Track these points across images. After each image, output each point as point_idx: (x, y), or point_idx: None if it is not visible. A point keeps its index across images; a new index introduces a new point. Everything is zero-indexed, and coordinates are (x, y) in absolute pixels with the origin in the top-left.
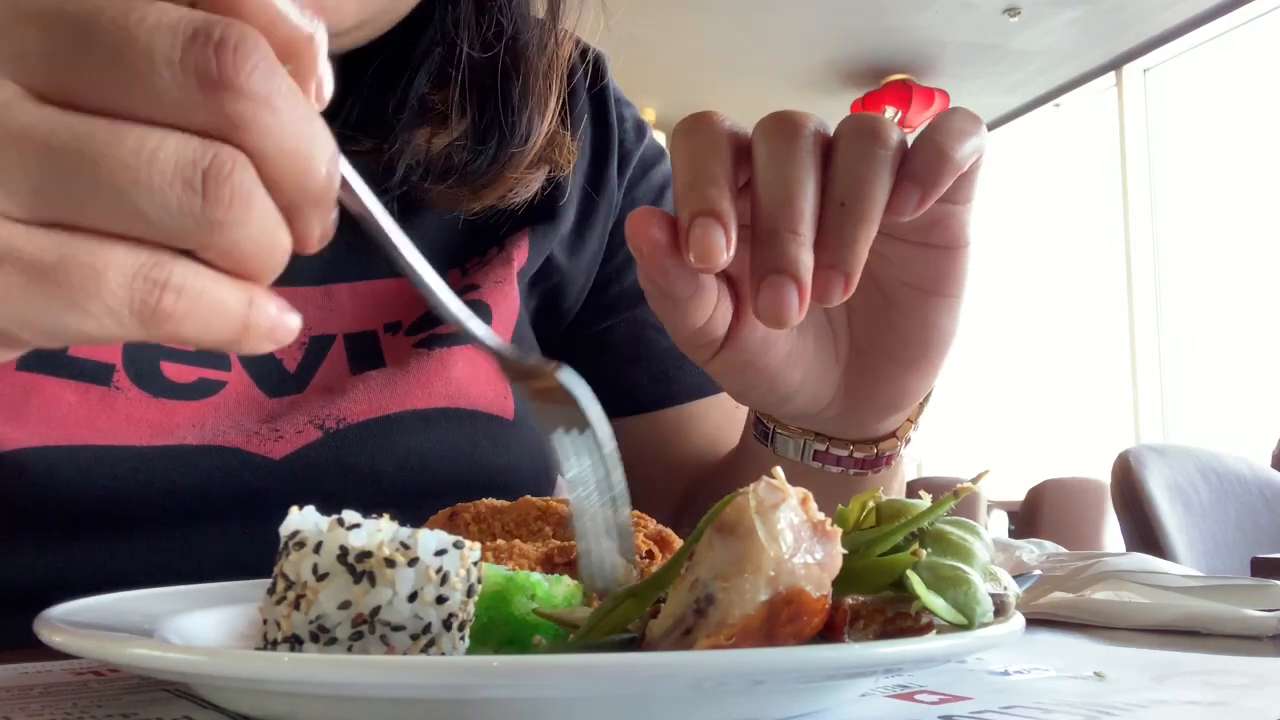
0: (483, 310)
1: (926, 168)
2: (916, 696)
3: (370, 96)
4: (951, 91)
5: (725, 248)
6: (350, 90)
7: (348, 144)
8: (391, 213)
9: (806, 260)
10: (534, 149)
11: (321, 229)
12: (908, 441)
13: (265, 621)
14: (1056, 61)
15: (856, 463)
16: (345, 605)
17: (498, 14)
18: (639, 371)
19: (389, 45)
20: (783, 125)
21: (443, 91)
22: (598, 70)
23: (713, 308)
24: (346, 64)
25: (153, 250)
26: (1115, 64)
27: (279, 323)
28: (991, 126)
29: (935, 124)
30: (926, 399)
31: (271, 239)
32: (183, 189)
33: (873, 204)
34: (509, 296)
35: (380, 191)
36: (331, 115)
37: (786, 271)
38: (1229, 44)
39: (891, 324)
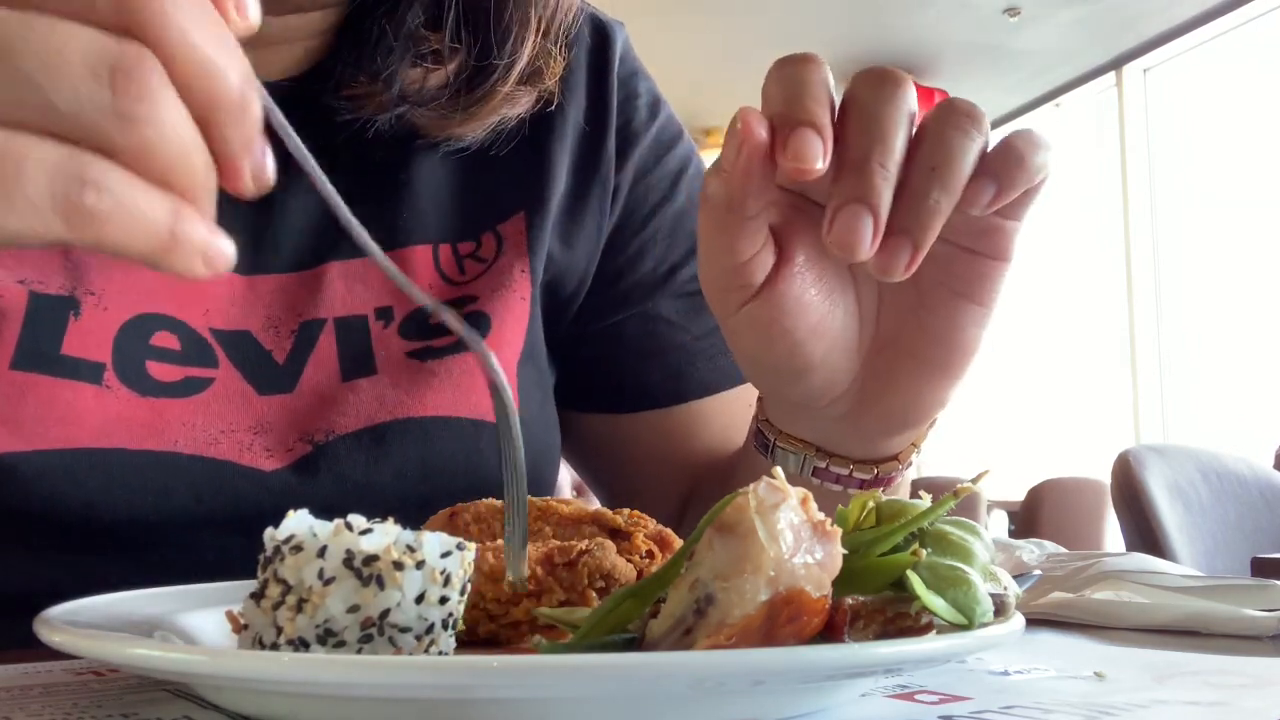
0: (482, 322)
1: (1005, 168)
2: (916, 696)
3: (366, 42)
4: (951, 91)
5: (822, 155)
6: (346, 37)
7: (346, 89)
8: (385, 129)
9: (887, 196)
10: (521, 63)
11: (247, 155)
12: (909, 465)
13: (248, 626)
14: (1056, 61)
15: (855, 482)
16: (354, 609)
17: None
18: (651, 367)
19: None
20: (887, 75)
21: (438, 33)
22: (603, 39)
23: (759, 248)
24: (347, 43)
25: (73, 148)
26: (1115, 64)
27: (210, 243)
28: (992, 126)
29: (1015, 134)
30: (931, 424)
31: (186, 144)
32: (91, 80)
33: (960, 174)
34: (510, 306)
35: (371, 120)
36: (328, 63)
37: (867, 201)
38: (1229, 44)
39: (921, 322)
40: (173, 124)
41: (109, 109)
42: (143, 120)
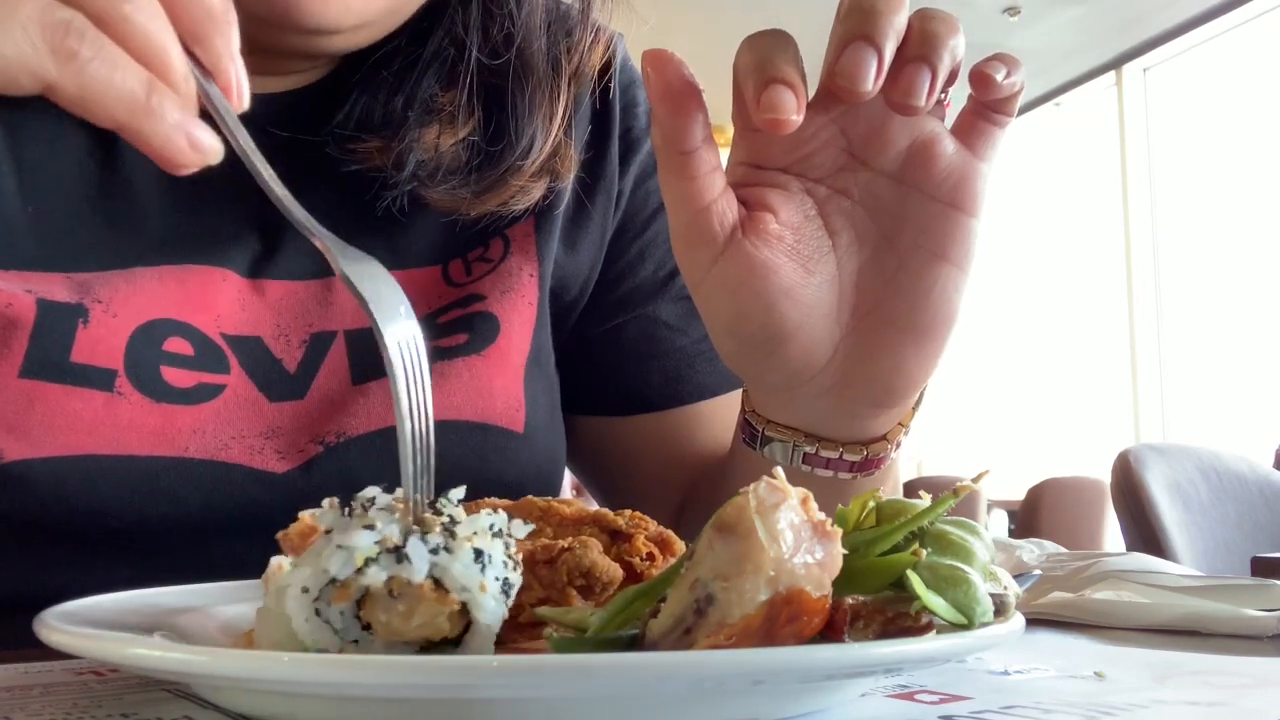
0: (490, 324)
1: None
2: (916, 696)
3: (377, 96)
4: (952, 90)
5: (796, 109)
6: (358, 89)
7: (354, 143)
8: (398, 206)
9: (891, 39)
10: (537, 162)
11: (231, 61)
12: (898, 446)
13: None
14: (1056, 61)
15: (846, 465)
16: None
17: (507, 21)
18: (651, 370)
19: (398, 46)
20: None
21: (451, 93)
22: (605, 50)
23: (716, 195)
24: (355, 64)
25: (62, 4)
26: (1115, 63)
27: (191, 125)
28: None
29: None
30: (918, 403)
31: (163, 35)
32: None
33: (958, 25)
34: (519, 310)
35: (389, 187)
36: (336, 112)
37: (871, 39)
38: (1228, 44)
39: (901, 288)
40: (148, 17)
41: None
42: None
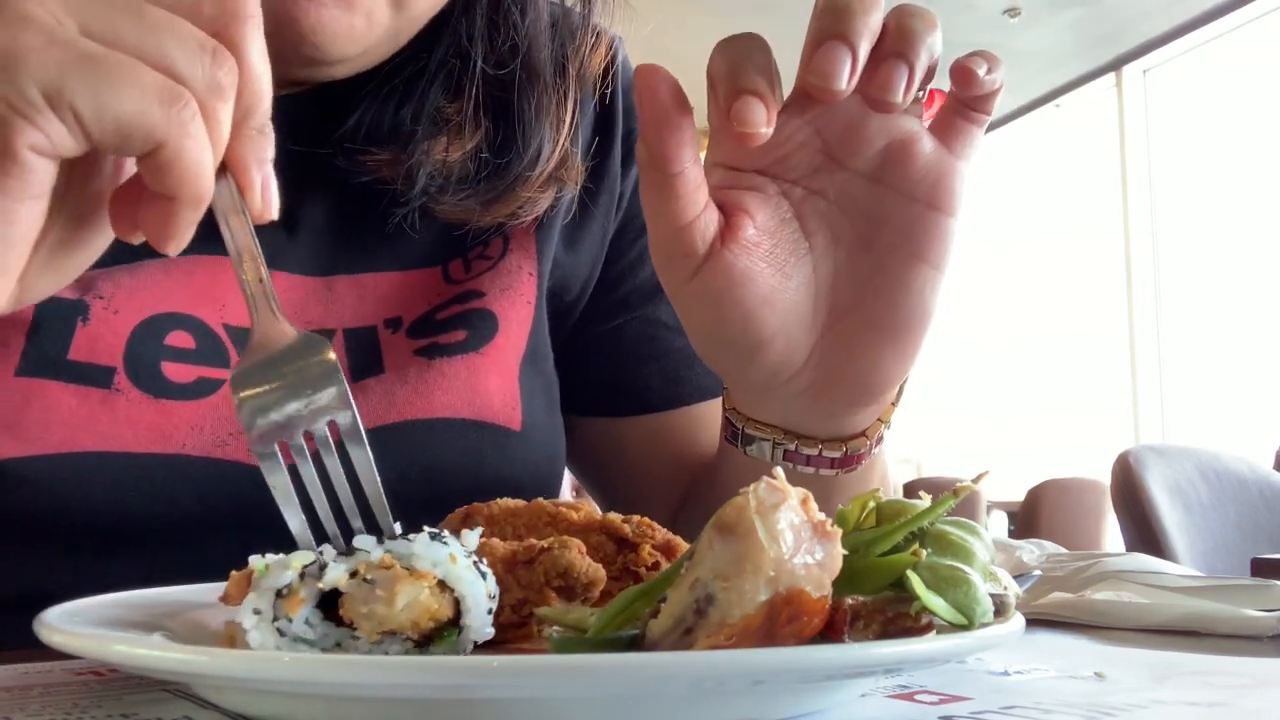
0: (489, 321)
1: (968, 57)
2: (916, 696)
3: (385, 107)
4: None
5: (766, 121)
6: (365, 98)
7: (363, 155)
8: (409, 221)
9: (865, 39)
10: (545, 171)
11: (260, 168)
12: (879, 441)
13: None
14: (1057, 62)
15: (826, 462)
16: None
17: (511, 31)
18: (650, 371)
19: (403, 58)
20: None
21: (457, 103)
22: (607, 53)
23: (698, 212)
24: (361, 75)
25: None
26: (1115, 64)
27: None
28: (992, 127)
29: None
30: (897, 399)
31: (225, 141)
32: (199, 47)
33: (936, 22)
34: (517, 308)
35: (401, 203)
36: (343, 124)
37: (844, 37)
38: (1228, 45)
39: (878, 288)
40: (229, 118)
41: (208, 71)
42: (225, 90)
